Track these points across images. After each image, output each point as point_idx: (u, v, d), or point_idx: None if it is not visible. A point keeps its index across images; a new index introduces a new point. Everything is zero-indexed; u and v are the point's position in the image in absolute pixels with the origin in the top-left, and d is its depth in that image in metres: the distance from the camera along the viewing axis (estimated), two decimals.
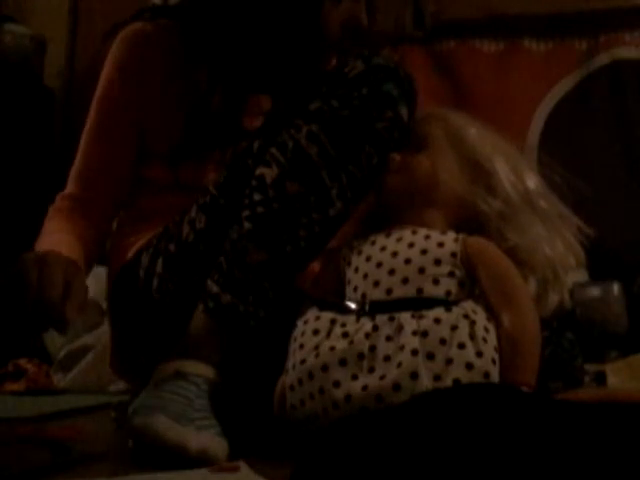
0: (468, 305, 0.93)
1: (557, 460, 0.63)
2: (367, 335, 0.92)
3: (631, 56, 2.32)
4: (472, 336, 0.90)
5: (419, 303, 0.93)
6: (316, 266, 1.11)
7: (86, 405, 1.37)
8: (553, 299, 1.04)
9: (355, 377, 0.90)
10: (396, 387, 0.87)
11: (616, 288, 1.77)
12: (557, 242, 1.05)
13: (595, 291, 1.76)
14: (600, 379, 1.40)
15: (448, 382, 0.87)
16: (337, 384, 0.90)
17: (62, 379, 1.88)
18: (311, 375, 0.92)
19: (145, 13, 1.31)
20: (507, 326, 0.93)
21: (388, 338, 0.91)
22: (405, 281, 0.96)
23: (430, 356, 0.88)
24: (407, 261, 0.97)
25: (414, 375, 0.87)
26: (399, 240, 1.00)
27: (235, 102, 1.23)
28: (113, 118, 1.27)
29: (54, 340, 1.94)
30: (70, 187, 1.29)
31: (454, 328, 0.90)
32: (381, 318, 0.93)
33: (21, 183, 2.37)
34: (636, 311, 1.76)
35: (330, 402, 0.90)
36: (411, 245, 0.99)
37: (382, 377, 0.89)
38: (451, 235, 1.00)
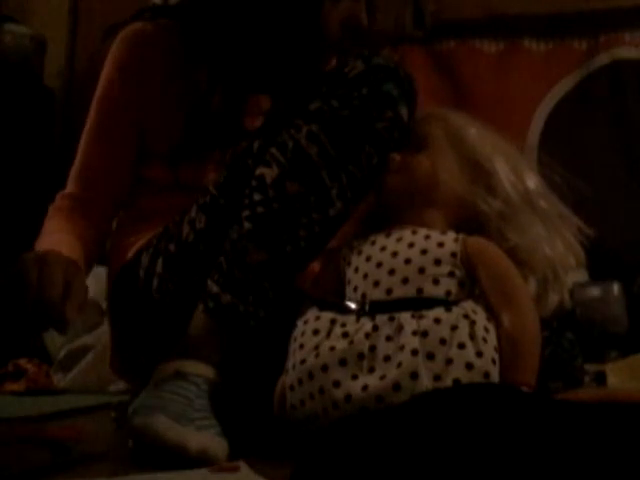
0: (468, 305, 0.93)
1: (557, 460, 0.63)
2: (367, 335, 0.92)
3: (631, 56, 2.32)
4: (472, 336, 0.90)
5: (419, 303, 0.93)
6: (316, 266, 1.11)
7: (86, 405, 1.37)
8: (553, 299, 1.04)
9: (355, 377, 0.90)
10: (396, 387, 0.87)
11: (616, 288, 1.77)
12: (557, 242, 1.05)
13: (595, 291, 1.76)
14: (600, 379, 1.40)
15: (448, 382, 0.87)
16: (337, 384, 0.90)
17: (62, 379, 1.88)
18: (311, 375, 0.92)
19: (145, 13, 1.31)
20: (507, 326, 0.93)
21: (388, 338, 0.91)
22: (405, 281, 0.96)
23: (430, 356, 0.88)
24: (407, 261, 0.97)
25: (414, 375, 0.87)
26: (399, 240, 1.00)
27: (235, 102, 1.23)
28: (113, 118, 1.27)
29: (54, 340, 1.94)
30: (70, 187, 1.29)
31: (454, 328, 0.90)
32: (381, 318, 0.93)
33: (21, 183, 2.37)
34: (636, 311, 1.76)
35: (330, 402, 0.90)
36: (411, 245, 0.99)
37: (382, 377, 0.89)
38: (451, 235, 1.00)
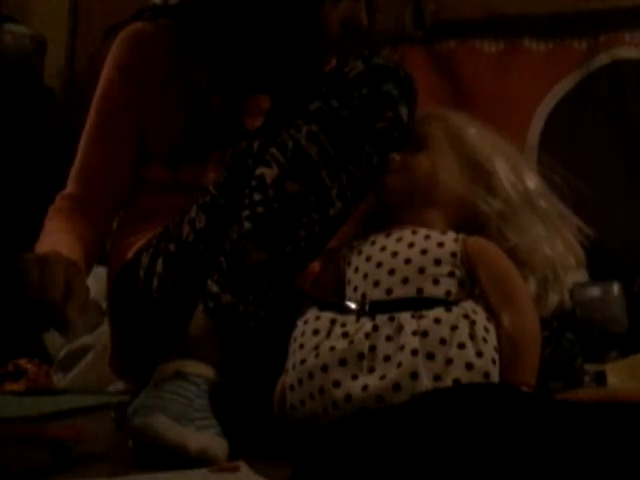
0: (468, 305, 0.93)
1: (557, 460, 0.63)
2: (367, 335, 0.92)
3: (631, 56, 2.32)
4: (472, 336, 0.90)
5: (419, 303, 0.93)
6: (316, 266, 1.11)
7: (86, 405, 1.37)
8: (553, 299, 1.04)
9: (355, 377, 0.90)
10: (396, 387, 0.87)
11: (616, 288, 1.77)
12: (557, 242, 1.05)
13: (595, 291, 1.76)
14: (600, 379, 1.40)
15: (448, 382, 0.87)
16: (337, 384, 0.90)
17: (62, 379, 1.88)
18: (311, 375, 0.92)
19: (145, 13, 1.31)
20: (507, 326, 0.93)
21: (388, 338, 0.91)
22: (405, 281, 0.96)
23: (430, 356, 0.88)
24: (407, 261, 0.97)
25: (414, 375, 0.87)
26: (399, 240, 1.00)
27: (235, 102, 1.23)
28: (113, 118, 1.27)
29: (54, 340, 1.94)
30: (70, 187, 1.29)
31: (454, 328, 0.90)
32: (381, 318, 0.93)
33: (21, 183, 2.37)
34: (636, 311, 1.76)
35: (330, 402, 0.90)
36: (411, 245, 0.99)
37: (382, 377, 0.89)
38: (451, 235, 1.00)
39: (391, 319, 0.92)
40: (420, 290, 0.95)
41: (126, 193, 1.30)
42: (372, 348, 0.91)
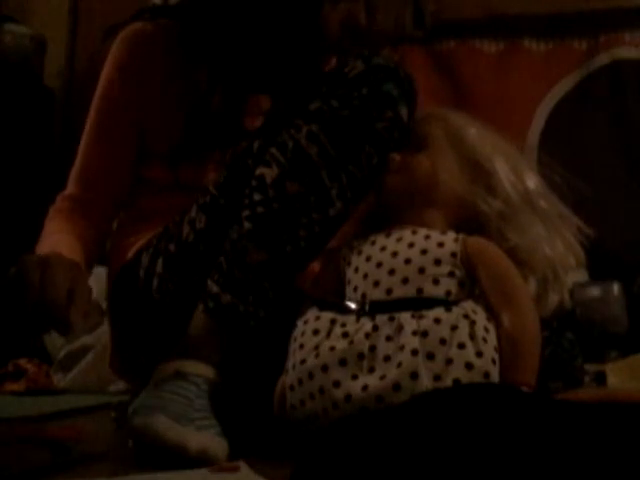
0: (468, 305, 0.93)
1: (557, 460, 0.63)
2: (367, 335, 0.92)
3: (631, 56, 2.32)
4: (472, 336, 0.90)
5: (419, 303, 0.93)
6: (316, 266, 1.11)
7: (86, 405, 1.37)
8: (553, 299, 1.04)
9: (355, 377, 0.90)
10: (396, 387, 0.87)
11: (616, 288, 1.77)
12: (557, 242, 1.05)
13: (595, 291, 1.76)
14: (600, 379, 1.40)
15: (448, 382, 0.87)
16: (337, 384, 0.90)
17: (62, 379, 1.88)
18: (311, 375, 0.92)
19: (145, 13, 1.31)
20: (507, 326, 0.93)
21: (388, 338, 0.91)
22: (405, 281, 0.96)
23: (430, 356, 0.88)
24: (407, 261, 0.97)
25: (414, 375, 0.87)
26: (399, 240, 1.00)
27: (235, 102, 1.23)
28: (113, 118, 1.27)
29: (54, 340, 1.94)
30: (70, 188, 1.29)
31: (454, 328, 0.90)
32: (381, 318, 0.93)
33: (21, 183, 2.37)
34: (636, 311, 1.76)
35: (330, 402, 0.90)
36: (411, 245, 0.99)
37: (382, 377, 0.89)
38: (451, 235, 1.00)
39: (391, 319, 0.92)
40: (420, 290, 0.95)
41: (126, 193, 1.30)
42: (372, 348, 0.91)
